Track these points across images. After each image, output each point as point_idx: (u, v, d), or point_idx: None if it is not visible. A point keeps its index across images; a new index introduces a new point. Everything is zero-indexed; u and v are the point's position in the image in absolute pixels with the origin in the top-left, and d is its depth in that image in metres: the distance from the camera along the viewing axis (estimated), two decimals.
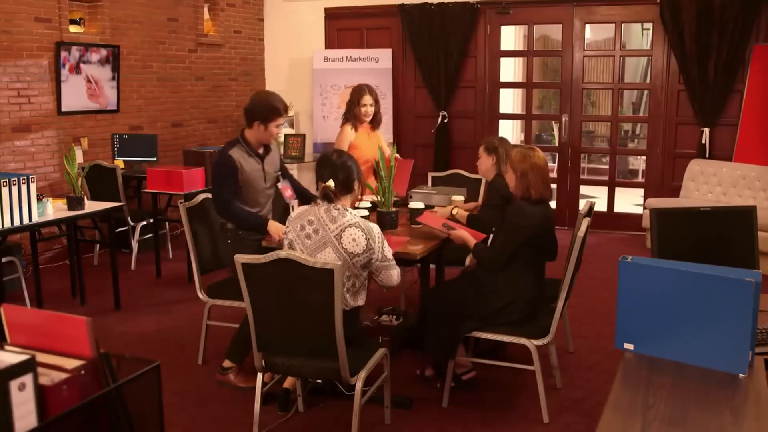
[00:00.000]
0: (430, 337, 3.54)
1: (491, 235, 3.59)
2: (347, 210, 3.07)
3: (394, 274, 3.14)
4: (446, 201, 4.48)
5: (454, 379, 3.67)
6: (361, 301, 3.15)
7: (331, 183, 3.06)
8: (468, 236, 3.65)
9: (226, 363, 3.90)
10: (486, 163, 4.16)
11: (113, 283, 5.14)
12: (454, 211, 4.10)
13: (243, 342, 3.75)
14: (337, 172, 3.08)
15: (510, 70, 9.85)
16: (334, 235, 3.01)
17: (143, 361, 1.74)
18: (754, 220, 2.88)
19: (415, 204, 4.19)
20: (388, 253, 3.10)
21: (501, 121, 8.21)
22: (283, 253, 2.86)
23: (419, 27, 7.94)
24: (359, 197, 3.25)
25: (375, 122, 4.75)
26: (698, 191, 7.00)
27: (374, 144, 4.74)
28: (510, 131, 10.17)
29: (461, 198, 4.43)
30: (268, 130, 3.88)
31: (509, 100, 9.05)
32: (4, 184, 4.15)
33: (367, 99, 4.65)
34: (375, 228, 3.05)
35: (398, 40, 8.25)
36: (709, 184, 6.95)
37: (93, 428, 1.61)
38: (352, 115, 4.69)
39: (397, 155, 4.41)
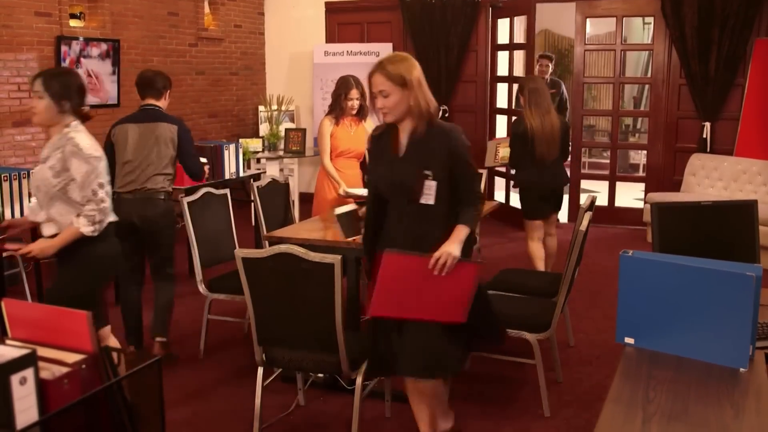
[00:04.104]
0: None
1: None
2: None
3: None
4: None
5: None
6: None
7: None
8: None
9: (162, 338, 4.12)
10: (522, 102, 4.99)
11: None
12: None
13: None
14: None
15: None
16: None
17: (144, 355, 1.74)
18: (755, 214, 2.88)
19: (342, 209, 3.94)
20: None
21: (498, 116, 8.17)
22: (283, 247, 2.86)
23: (420, 21, 7.92)
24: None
25: (361, 114, 4.75)
26: (699, 185, 6.99)
27: (356, 136, 4.76)
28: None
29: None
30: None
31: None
32: (5, 178, 4.15)
33: (354, 93, 4.65)
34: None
35: (399, 35, 8.23)
36: (710, 179, 6.94)
37: (94, 422, 1.61)
38: (338, 108, 4.69)
39: None
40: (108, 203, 3.05)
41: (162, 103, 4.25)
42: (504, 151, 5.62)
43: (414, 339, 2.78)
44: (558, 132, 4.91)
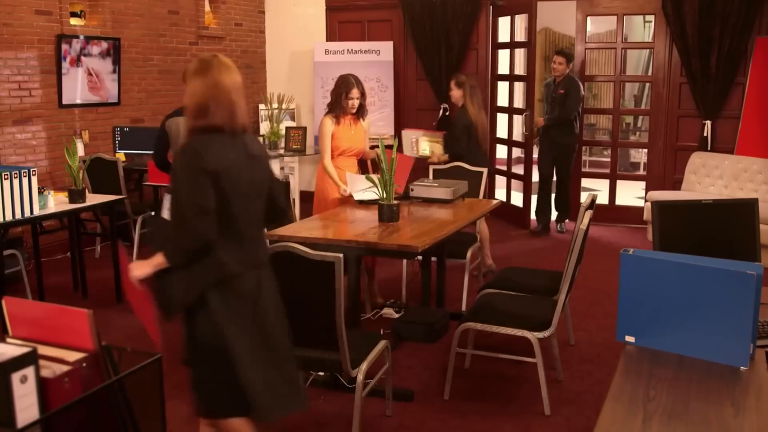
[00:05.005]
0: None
1: None
2: None
3: None
4: (449, 194, 4.52)
5: None
6: None
7: None
8: None
9: None
10: (456, 95, 5.73)
11: (115, 276, 5.15)
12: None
13: None
14: None
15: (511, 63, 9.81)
16: None
17: (145, 353, 1.74)
18: (755, 212, 2.88)
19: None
20: None
21: (499, 114, 8.16)
22: (284, 246, 2.86)
23: (420, 19, 7.91)
24: None
25: (360, 113, 4.76)
26: (700, 184, 6.99)
27: (356, 135, 4.77)
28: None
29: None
30: None
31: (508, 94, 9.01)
32: (6, 177, 4.15)
33: (355, 92, 4.65)
34: None
35: (399, 33, 8.22)
36: (710, 177, 6.94)
37: (94, 421, 1.61)
38: (338, 107, 4.68)
39: (399, 153, 4.61)
40: None
41: None
42: (426, 145, 6.19)
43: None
44: (487, 126, 5.87)
